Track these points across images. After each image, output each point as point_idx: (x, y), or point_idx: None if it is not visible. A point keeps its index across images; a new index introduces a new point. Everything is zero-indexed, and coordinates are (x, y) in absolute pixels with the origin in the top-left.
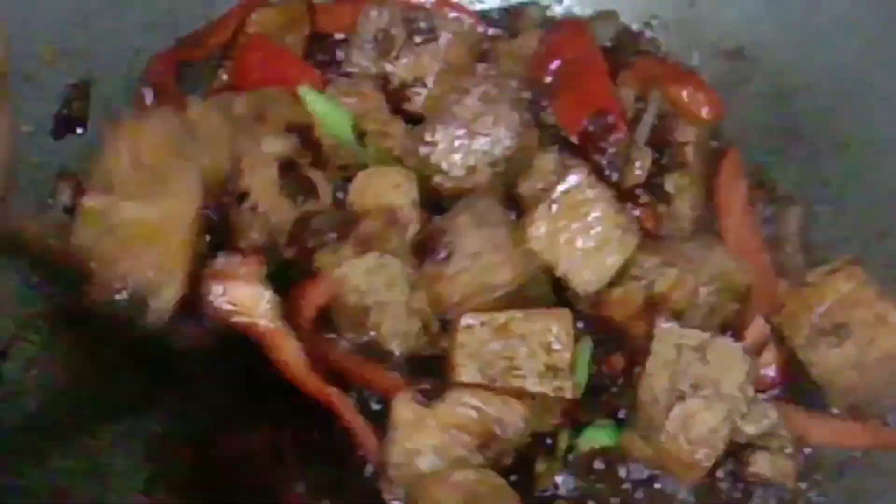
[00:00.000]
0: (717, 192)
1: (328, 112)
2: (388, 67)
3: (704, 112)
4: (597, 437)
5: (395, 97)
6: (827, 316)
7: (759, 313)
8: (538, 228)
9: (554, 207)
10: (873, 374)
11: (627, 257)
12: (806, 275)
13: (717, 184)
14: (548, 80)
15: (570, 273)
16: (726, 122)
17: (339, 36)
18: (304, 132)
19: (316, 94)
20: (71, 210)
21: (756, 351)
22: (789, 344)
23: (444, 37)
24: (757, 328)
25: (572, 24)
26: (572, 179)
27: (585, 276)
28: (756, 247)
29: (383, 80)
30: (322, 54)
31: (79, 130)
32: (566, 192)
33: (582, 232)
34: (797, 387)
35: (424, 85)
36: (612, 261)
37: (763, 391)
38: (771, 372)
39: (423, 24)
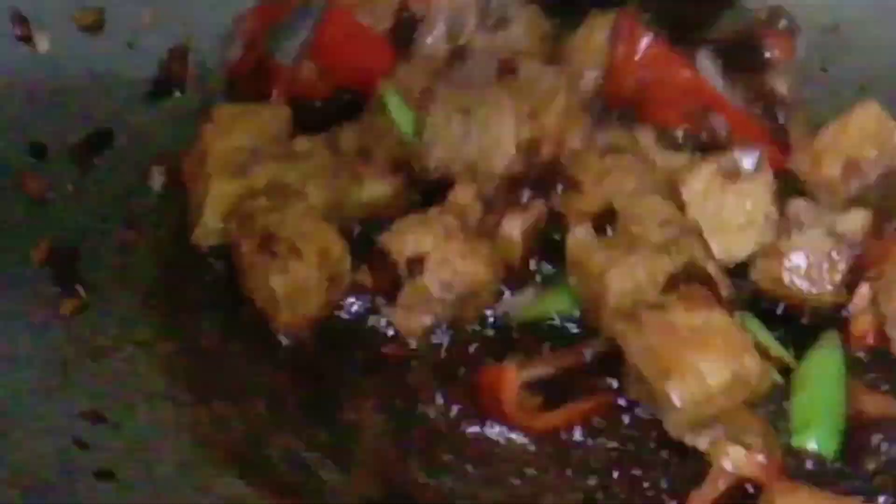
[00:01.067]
0: None
1: (404, 118)
2: None
3: None
4: None
5: None
6: None
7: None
8: (695, 183)
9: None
10: None
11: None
12: None
13: None
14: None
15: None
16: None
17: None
18: (409, 168)
19: (397, 97)
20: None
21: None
22: (881, 314)
23: (517, 25)
24: (863, 291)
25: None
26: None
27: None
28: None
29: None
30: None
31: (177, 93)
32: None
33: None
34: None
35: None
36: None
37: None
38: (869, 338)
39: (495, 8)
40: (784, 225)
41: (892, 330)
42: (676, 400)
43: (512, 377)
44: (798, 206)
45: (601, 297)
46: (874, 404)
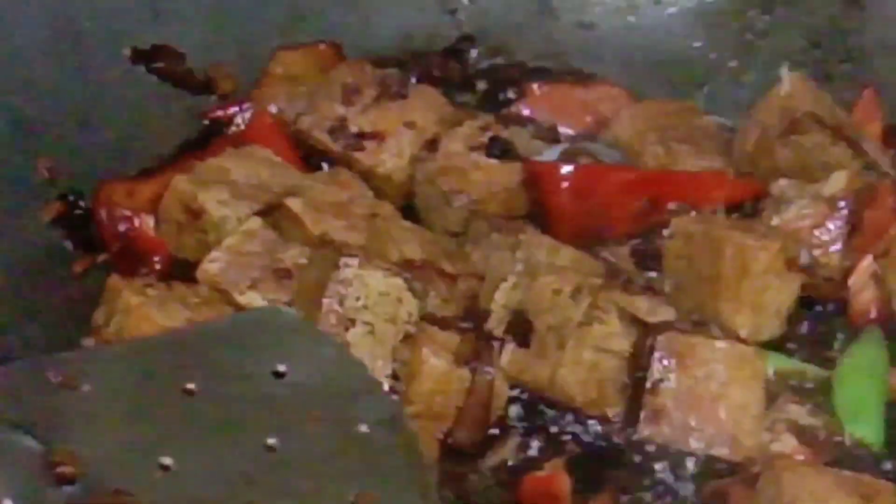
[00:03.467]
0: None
1: None
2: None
3: None
4: None
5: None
6: None
7: (870, 251)
8: None
9: None
10: None
11: None
12: None
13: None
14: None
15: None
16: None
17: None
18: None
19: None
20: None
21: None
22: (888, 290)
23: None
24: (864, 266)
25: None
26: None
27: None
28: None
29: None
30: None
31: None
32: None
33: None
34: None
35: (383, 140)
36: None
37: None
38: (872, 313)
39: (395, 88)
40: (773, 206)
41: None
42: None
43: (565, 482)
44: (780, 185)
45: (571, 398)
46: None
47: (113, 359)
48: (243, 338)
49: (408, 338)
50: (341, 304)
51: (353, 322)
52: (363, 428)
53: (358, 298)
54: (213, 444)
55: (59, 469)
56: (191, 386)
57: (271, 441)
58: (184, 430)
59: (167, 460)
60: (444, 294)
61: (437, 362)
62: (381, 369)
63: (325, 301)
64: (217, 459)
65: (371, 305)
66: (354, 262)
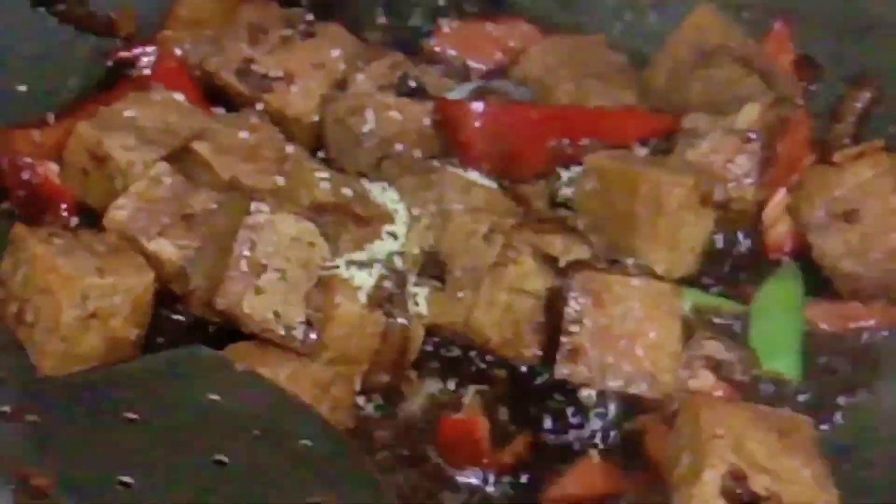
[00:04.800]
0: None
1: None
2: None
3: None
4: None
5: (256, 87)
6: (841, 200)
7: (784, 185)
8: None
9: None
10: (879, 265)
11: None
12: (833, 155)
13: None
14: None
15: None
16: None
17: None
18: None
19: None
20: None
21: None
22: (802, 222)
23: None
24: (778, 199)
25: None
26: None
27: None
28: (797, 117)
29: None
30: None
31: None
32: None
33: None
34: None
35: (292, 81)
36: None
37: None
38: (786, 245)
39: (302, 27)
40: (685, 140)
41: (814, 237)
42: None
43: (483, 424)
44: (693, 118)
45: (486, 339)
46: (828, 319)
47: (57, 391)
48: (175, 372)
49: (321, 283)
50: (252, 249)
51: (264, 268)
52: (305, 441)
53: (269, 244)
54: (165, 463)
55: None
56: (132, 416)
57: (220, 457)
58: (136, 452)
59: (126, 478)
60: (357, 237)
61: (350, 306)
62: (294, 315)
63: (236, 246)
64: (172, 475)
65: (283, 251)
66: (265, 207)
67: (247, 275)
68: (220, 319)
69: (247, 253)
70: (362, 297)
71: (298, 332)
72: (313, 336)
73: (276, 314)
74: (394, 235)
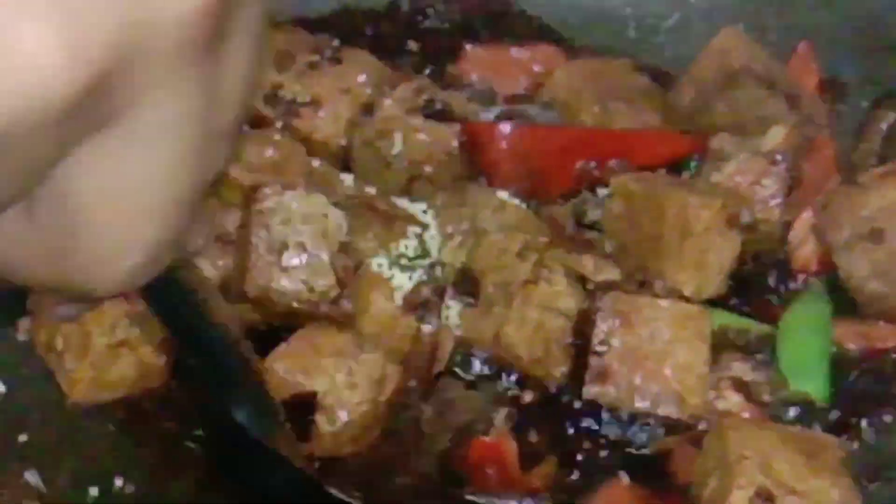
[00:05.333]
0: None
1: None
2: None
3: None
4: None
5: (284, 112)
6: (867, 221)
7: (809, 205)
8: None
9: None
10: None
11: None
12: (858, 175)
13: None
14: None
15: None
16: None
17: None
18: None
19: None
20: None
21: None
22: (828, 243)
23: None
24: (804, 220)
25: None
26: None
27: None
28: (823, 138)
29: (271, 93)
30: None
31: None
32: None
33: None
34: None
35: (319, 106)
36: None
37: (803, 278)
38: (812, 266)
39: (329, 53)
40: (712, 162)
41: (840, 258)
42: None
43: (511, 446)
44: (720, 138)
45: (516, 356)
46: (855, 340)
47: None
48: None
49: (343, 247)
50: (268, 231)
51: (285, 245)
52: None
53: (283, 222)
54: None
55: None
56: None
57: None
58: None
59: None
60: (381, 234)
61: (385, 304)
62: (323, 281)
63: (253, 235)
64: None
65: (298, 225)
66: (270, 189)
67: (268, 257)
68: (258, 314)
69: (264, 236)
70: (398, 299)
71: (332, 293)
72: (347, 304)
73: (306, 283)
74: (421, 238)
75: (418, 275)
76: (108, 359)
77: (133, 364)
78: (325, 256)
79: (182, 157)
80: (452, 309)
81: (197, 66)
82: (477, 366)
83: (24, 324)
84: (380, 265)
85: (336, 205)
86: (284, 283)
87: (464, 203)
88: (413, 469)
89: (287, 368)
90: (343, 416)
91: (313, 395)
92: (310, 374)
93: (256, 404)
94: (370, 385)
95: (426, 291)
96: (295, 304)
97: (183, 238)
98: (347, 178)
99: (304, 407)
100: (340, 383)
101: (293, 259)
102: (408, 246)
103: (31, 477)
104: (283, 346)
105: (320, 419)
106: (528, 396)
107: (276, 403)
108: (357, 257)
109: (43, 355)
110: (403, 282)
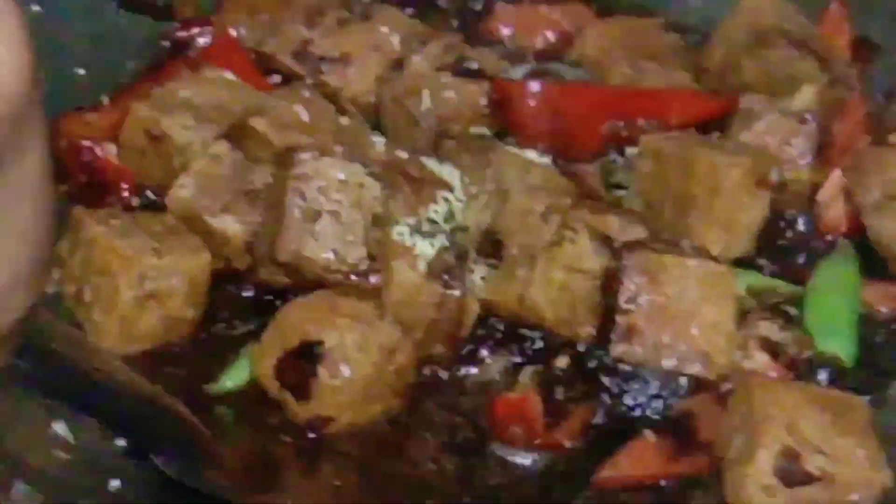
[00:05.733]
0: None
1: None
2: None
3: None
4: None
5: (314, 68)
6: None
7: (839, 165)
8: None
9: None
10: None
11: None
12: (889, 136)
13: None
14: None
15: None
16: None
17: None
18: None
19: None
20: None
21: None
22: (857, 203)
23: (380, 19)
24: (833, 180)
25: None
26: None
27: None
28: (853, 98)
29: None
30: None
31: None
32: None
33: None
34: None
35: (349, 62)
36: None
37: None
38: (842, 227)
39: (358, 9)
40: (741, 122)
41: (869, 219)
42: None
43: (536, 403)
44: (750, 98)
45: (541, 317)
46: (884, 301)
47: None
48: None
49: (377, 220)
50: (303, 197)
51: (318, 213)
52: None
53: (318, 189)
54: None
55: None
56: None
57: None
58: None
59: None
60: (411, 199)
61: (409, 273)
62: (354, 253)
63: (287, 199)
64: None
65: (333, 193)
66: (308, 155)
67: (302, 223)
68: (286, 277)
69: (299, 202)
70: (422, 266)
71: (362, 266)
72: (375, 279)
73: (337, 253)
74: (449, 202)
75: (440, 240)
76: (135, 311)
77: (161, 317)
78: (358, 227)
79: None
80: (476, 272)
81: None
82: (502, 327)
83: (52, 275)
84: (400, 234)
85: (371, 174)
86: (316, 252)
87: (489, 164)
88: (430, 439)
89: (301, 318)
90: (346, 371)
91: (320, 343)
92: (322, 327)
93: (174, 443)
94: (379, 352)
95: (449, 257)
96: (324, 274)
97: None
98: (379, 142)
99: (308, 358)
100: (350, 343)
101: (326, 228)
102: (437, 211)
103: (59, 427)
104: (301, 298)
105: (322, 372)
106: (553, 356)
107: (195, 431)
108: (385, 226)
109: (72, 307)
110: (426, 249)
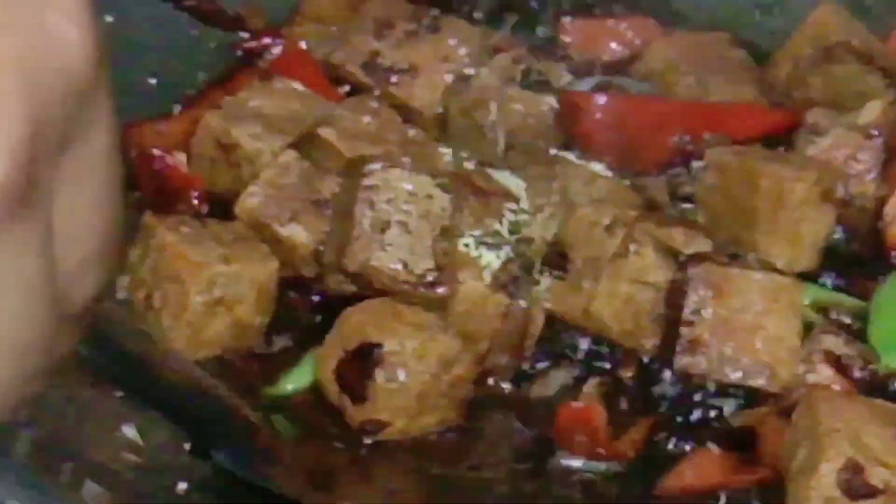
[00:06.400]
0: None
1: None
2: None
3: None
4: None
5: (382, 79)
6: None
7: None
8: None
9: None
10: None
11: None
12: None
13: None
14: None
15: None
16: None
17: None
18: None
19: None
20: None
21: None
22: None
23: (448, 31)
24: None
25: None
26: None
27: None
28: None
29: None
30: None
31: None
32: None
33: None
34: None
35: (417, 74)
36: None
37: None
38: None
39: (427, 21)
40: (806, 136)
41: None
42: None
43: (600, 413)
44: (816, 112)
45: (606, 329)
46: None
47: None
48: None
49: (445, 231)
50: (372, 208)
51: (387, 224)
52: None
53: (388, 200)
54: None
55: None
56: None
57: None
58: None
59: None
60: (477, 211)
61: (474, 284)
62: (422, 264)
63: (357, 210)
64: None
65: (401, 204)
66: (377, 165)
67: (371, 234)
68: (353, 285)
69: (368, 213)
70: (487, 277)
71: (429, 277)
72: (442, 290)
73: (405, 264)
74: (515, 213)
75: (506, 251)
76: (204, 317)
77: (229, 323)
78: (426, 238)
79: (24, 310)
80: (541, 284)
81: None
82: (567, 339)
83: (122, 281)
84: (466, 245)
85: (440, 186)
86: (384, 262)
87: (555, 175)
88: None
89: (363, 321)
90: (402, 375)
91: (379, 345)
92: (383, 332)
93: (236, 442)
94: (437, 362)
95: (515, 269)
96: (392, 284)
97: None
98: (446, 153)
99: (367, 360)
100: (409, 349)
101: (395, 238)
102: (503, 222)
103: (128, 430)
104: (366, 302)
105: (379, 374)
106: (617, 367)
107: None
108: (452, 237)
109: (141, 313)
110: (491, 260)
